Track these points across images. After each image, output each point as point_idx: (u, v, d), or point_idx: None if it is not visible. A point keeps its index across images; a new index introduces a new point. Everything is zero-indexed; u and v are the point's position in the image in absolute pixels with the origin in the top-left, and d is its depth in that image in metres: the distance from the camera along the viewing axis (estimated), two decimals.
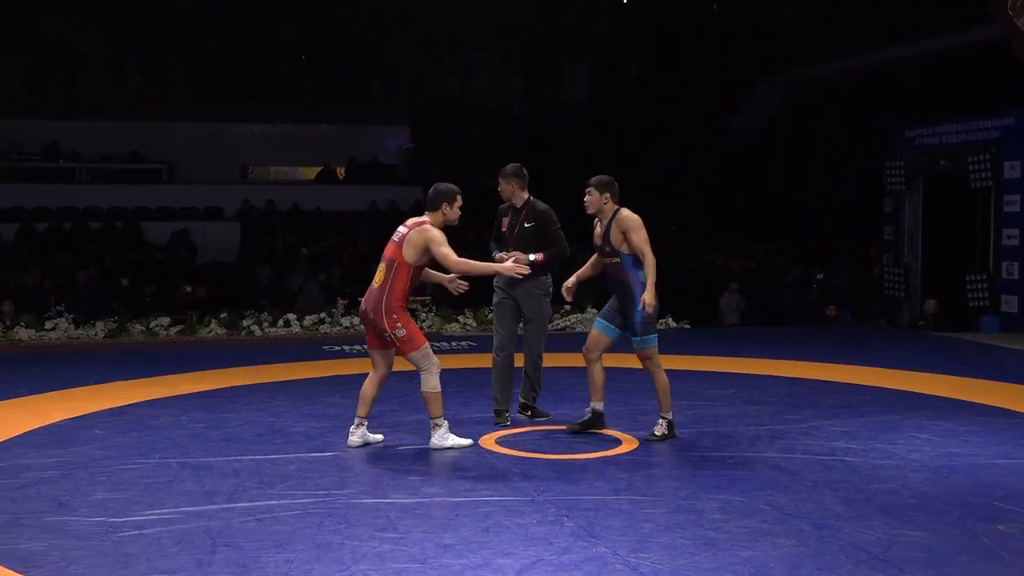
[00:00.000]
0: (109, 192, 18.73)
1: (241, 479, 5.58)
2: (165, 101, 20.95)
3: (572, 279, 6.64)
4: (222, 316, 12.55)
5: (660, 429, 6.47)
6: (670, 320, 13.16)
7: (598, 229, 6.45)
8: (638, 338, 6.32)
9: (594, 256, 6.57)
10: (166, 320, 12.38)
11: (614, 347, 6.57)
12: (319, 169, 21.50)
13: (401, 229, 6.18)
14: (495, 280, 7.06)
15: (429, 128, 22.17)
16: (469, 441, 6.31)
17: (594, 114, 22.79)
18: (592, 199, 6.40)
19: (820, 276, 15.18)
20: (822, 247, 17.50)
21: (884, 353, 10.50)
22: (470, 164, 20.08)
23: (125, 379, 9.10)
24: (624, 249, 6.28)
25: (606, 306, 6.56)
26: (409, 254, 6.07)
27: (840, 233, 18.09)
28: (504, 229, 7.03)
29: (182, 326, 12.35)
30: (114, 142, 20.16)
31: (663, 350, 9.78)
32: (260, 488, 5.40)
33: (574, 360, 10.20)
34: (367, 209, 19.37)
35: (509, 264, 6.33)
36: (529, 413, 7.17)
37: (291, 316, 12.65)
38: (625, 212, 6.34)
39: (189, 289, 13.62)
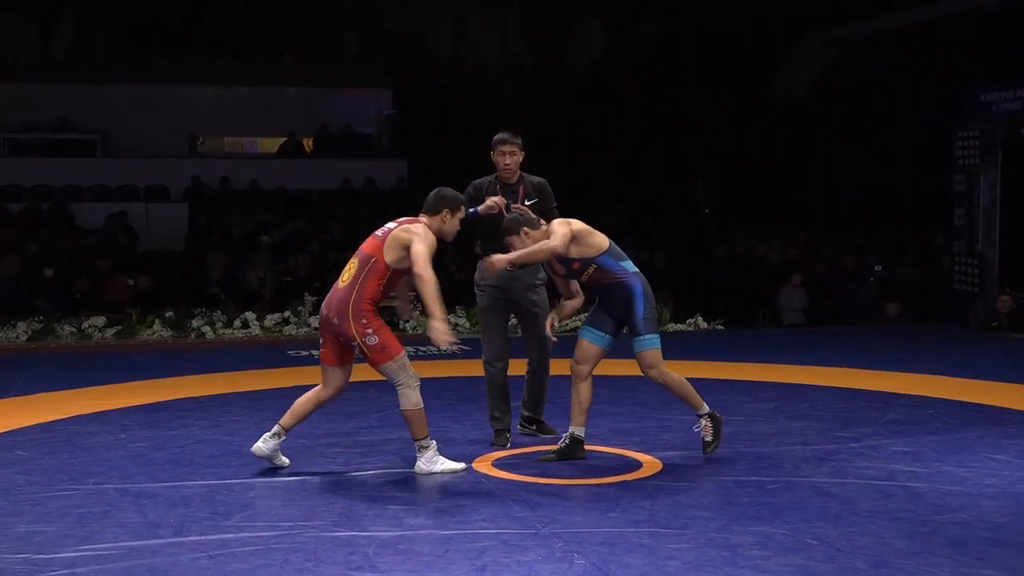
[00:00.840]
0: (32, 167, 18.74)
1: (191, 508, 5.59)
2: (99, 59, 20.92)
3: (553, 318, 6.55)
4: (167, 315, 12.56)
5: (707, 432, 6.50)
6: (700, 320, 13.17)
7: (552, 264, 6.44)
8: (641, 338, 6.32)
9: (567, 285, 6.51)
10: (101, 320, 12.39)
11: (614, 354, 6.56)
12: (282, 140, 21.50)
13: (390, 224, 6.20)
14: (480, 277, 7.05)
15: (414, 92, 22.15)
16: (462, 465, 6.31)
17: (609, 77, 22.78)
18: (512, 241, 6.35)
19: (878, 268, 15.19)
20: (879, 233, 17.51)
21: (953, 359, 10.51)
22: (462, 135, 20.13)
23: (52, 390, 9.10)
24: (590, 253, 6.28)
25: (592, 312, 6.55)
26: (391, 253, 6.08)
27: (901, 217, 18.10)
28: (494, 210, 6.92)
29: (120, 327, 12.36)
30: (39, 108, 20.16)
31: (689, 355, 9.78)
32: (213, 519, 5.40)
33: None
34: (339, 187, 19.39)
35: (442, 330, 5.97)
36: (534, 428, 7.20)
37: (249, 315, 12.66)
38: (552, 225, 6.30)
39: (131, 282, 13.63)
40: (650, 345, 6.34)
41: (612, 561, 4.77)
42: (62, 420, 7.83)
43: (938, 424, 7.54)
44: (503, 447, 6.91)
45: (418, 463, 6.22)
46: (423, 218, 6.21)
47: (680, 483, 6.05)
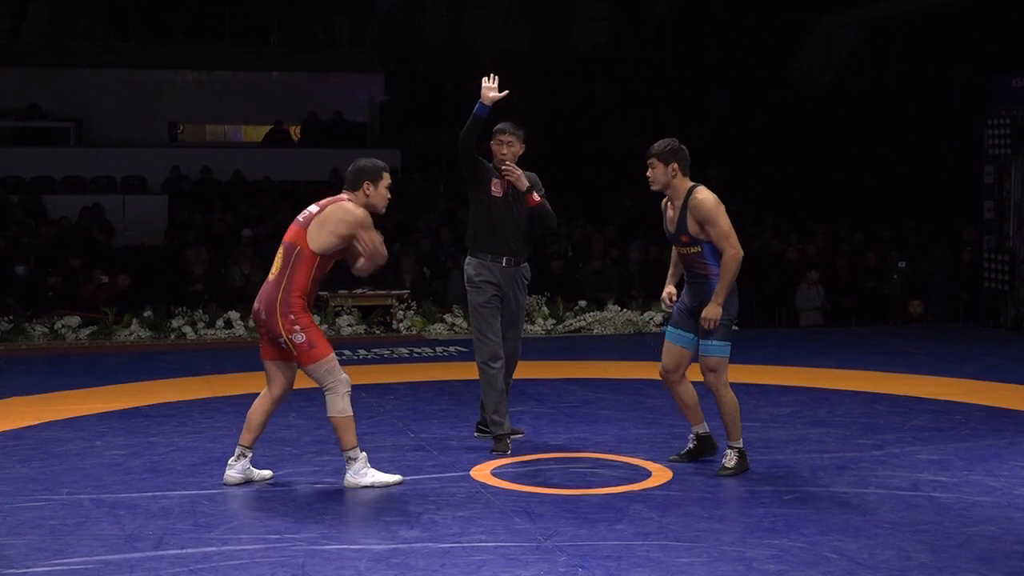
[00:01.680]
0: (1, 157, 18.73)
1: (171, 520, 5.60)
2: (73, 42, 20.92)
3: (670, 288, 6.60)
4: (146, 314, 12.56)
5: (730, 460, 6.44)
6: None
7: (670, 213, 6.43)
8: (710, 342, 6.31)
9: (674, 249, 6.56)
10: (75, 320, 12.39)
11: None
12: (268, 128, 21.50)
13: (311, 208, 6.18)
14: (476, 272, 7.09)
15: (408, 77, 22.14)
16: (397, 478, 6.25)
17: (616, 61, 22.77)
18: (656, 173, 6.37)
19: (902, 264, 15.20)
20: (903, 228, 17.51)
21: (981, 361, 10.52)
22: (459, 123, 20.08)
23: (23, 394, 9.11)
24: (704, 236, 6.28)
25: (676, 308, 6.55)
26: (317, 239, 6.04)
27: (926, 210, 18.10)
28: (499, 194, 7.07)
29: (95, 327, 12.36)
30: (8, 94, 20.16)
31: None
32: (194, 531, 5.42)
33: (589, 370, 10.24)
34: (328, 179, 19.37)
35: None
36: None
37: (232, 315, 12.67)
38: (700, 195, 6.28)
39: (105, 279, 13.63)
40: (716, 352, 6.31)
41: None
42: (33, 426, 7.84)
43: (966, 431, 7.55)
44: (504, 454, 6.93)
45: (346, 476, 6.20)
46: (346, 194, 6.18)
47: (691, 493, 6.06)
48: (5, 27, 21.03)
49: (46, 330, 12.25)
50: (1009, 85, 13.81)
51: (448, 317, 12.85)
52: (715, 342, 6.30)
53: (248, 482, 6.28)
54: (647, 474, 6.44)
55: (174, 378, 9.88)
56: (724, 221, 6.25)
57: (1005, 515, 5.64)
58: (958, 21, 19.54)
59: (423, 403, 8.61)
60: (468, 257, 7.17)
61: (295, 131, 21.81)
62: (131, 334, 12.34)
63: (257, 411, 6.26)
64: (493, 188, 7.06)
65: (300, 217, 6.16)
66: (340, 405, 6.08)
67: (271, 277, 6.14)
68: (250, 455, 6.30)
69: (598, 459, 6.74)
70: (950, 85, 19.40)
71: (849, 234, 17.18)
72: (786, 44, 22.18)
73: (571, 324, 12.93)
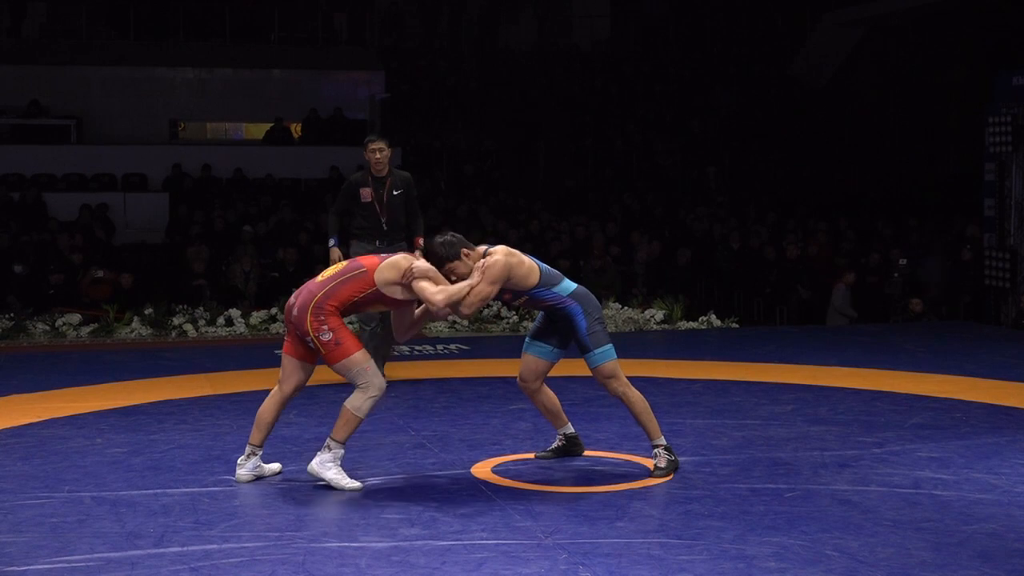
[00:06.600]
0: (2, 155, 18.75)
1: (172, 517, 5.61)
2: (74, 39, 20.93)
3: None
4: (146, 312, 12.57)
5: (660, 460, 6.34)
6: (713, 318, 13.18)
7: None
8: (592, 353, 6.27)
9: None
10: (76, 317, 12.40)
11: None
12: (268, 126, 21.51)
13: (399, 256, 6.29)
14: (354, 256, 7.85)
15: (409, 74, 22.16)
16: (358, 484, 6.16)
17: (616, 59, 22.80)
18: (454, 267, 6.23)
19: (903, 262, 15.20)
20: (904, 225, 17.52)
21: (982, 359, 10.51)
22: (460, 120, 20.14)
23: (24, 392, 9.11)
24: (522, 287, 6.21)
25: (536, 325, 6.54)
26: (384, 274, 6.09)
27: (927, 208, 18.11)
28: (368, 200, 8.56)
29: (96, 325, 12.37)
30: (9, 91, 20.17)
31: (702, 355, 9.75)
32: (195, 529, 5.42)
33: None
34: (329, 176, 19.41)
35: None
36: None
37: (233, 312, 12.67)
38: (490, 260, 6.14)
39: (100, 273, 13.62)
40: (603, 358, 6.28)
41: (619, 573, 4.78)
42: (34, 424, 7.84)
43: (966, 428, 7.55)
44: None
45: (313, 460, 6.16)
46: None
47: (692, 491, 6.07)
48: (5, 25, 21.04)
49: (47, 328, 12.26)
50: (1010, 83, 13.83)
51: (450, 316, 12.84)
52: (597, 351, 6.26)
53: (260, 478, 6.29)
54: (647, 472, 6.43)
55: (175, 376, 9.88)
56: (493, 275, 6.06)
57: (1006, 513, 5.64)
58: (958, 19, 19.54)
59: (424, 401, 8.61)
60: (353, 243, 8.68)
61: (296, 129, 21.84)
62: (132, 332, 12.34)
63: (266, 410, 6.27)
64: (362, 195, 8.59)
65: (385, 254, 6.34)
66: (358, 403, 6.07)
67: (318, 279, 6.18)
68: (260, 453, 6.32)
69: (598, 457, 6.74)
70: (950, 83, 19.40)
71: (850, 232, 17.19)
72: (787, 42, 22.19)
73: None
